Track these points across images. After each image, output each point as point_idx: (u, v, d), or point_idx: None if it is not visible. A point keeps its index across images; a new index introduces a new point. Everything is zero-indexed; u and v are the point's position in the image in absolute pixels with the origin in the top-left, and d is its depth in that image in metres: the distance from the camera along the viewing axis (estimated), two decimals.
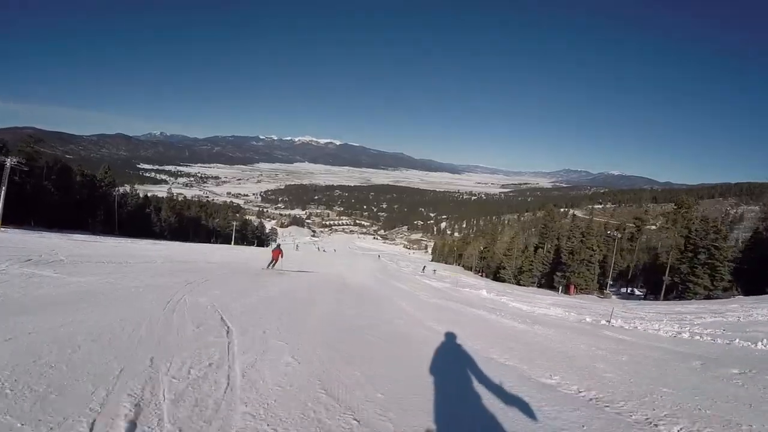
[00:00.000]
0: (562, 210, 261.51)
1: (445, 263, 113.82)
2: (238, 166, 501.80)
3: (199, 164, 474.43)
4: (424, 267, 65.78)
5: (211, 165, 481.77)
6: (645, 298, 48.46)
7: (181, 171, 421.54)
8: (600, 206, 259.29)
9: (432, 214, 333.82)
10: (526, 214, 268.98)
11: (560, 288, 51.86)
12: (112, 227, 57.50)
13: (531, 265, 61.08)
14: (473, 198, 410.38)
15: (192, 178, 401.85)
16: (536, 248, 62.82)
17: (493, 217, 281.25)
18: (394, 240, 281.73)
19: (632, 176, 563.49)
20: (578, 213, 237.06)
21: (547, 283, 59.39)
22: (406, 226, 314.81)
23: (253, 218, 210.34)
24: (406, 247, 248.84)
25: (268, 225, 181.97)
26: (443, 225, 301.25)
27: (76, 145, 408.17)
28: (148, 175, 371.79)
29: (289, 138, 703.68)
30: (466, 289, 33.23)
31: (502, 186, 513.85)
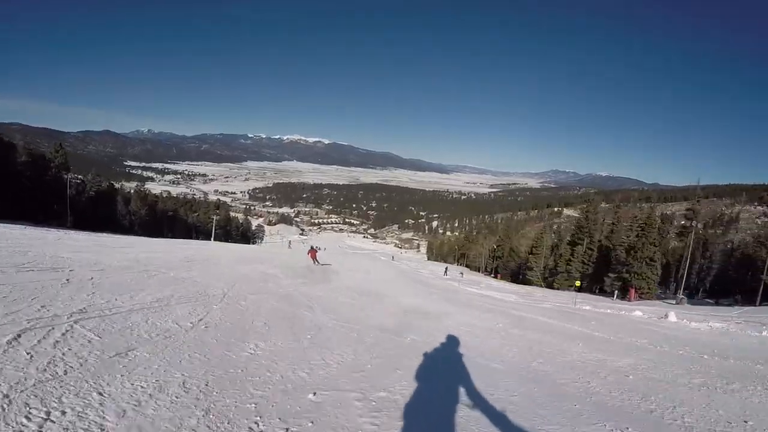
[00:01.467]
0: (556, 209, 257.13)
1: (444, 262, 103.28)
2: (226, 164, 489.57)
3: (186, 162, 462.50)
4: (447, 269, 54.37)
5: (199, 163, 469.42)
6: (734, 304, 37.71)
7: (168, 168, 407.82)
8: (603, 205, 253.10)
9: (422, 213, 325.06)
10: (519, 213, 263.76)
11: (615, 293, 41.08)
12: (64, 218, 45.76)
13: (569, 265, 50.23)
14: (463, 197, 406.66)
15: (179, 176, 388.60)
16: (571, 245, 51.97)
17: (486, 216, 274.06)
18: (385, 239, 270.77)
19: (620, 177, 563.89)
20: (572, 212, 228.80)
21: (589, 286, 48.75)
22: (396, 225, 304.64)
23: (239, 215, 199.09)
24: (398, 246, 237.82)
25: (255, 222, 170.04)
26: (435, 224, 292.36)
27: (62, 142, 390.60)
28: (134, 172, 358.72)
29: (277, 137, 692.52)
30: (547, 304, 22.57)
31: (491, 186, 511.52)
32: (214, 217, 68.48)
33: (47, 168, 46.23)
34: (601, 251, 49.18)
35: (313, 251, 25.67)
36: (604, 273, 47.08)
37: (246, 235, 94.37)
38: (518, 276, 64.77)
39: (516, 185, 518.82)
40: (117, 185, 67.62)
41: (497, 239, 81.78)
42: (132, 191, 68.94)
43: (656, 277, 42.58)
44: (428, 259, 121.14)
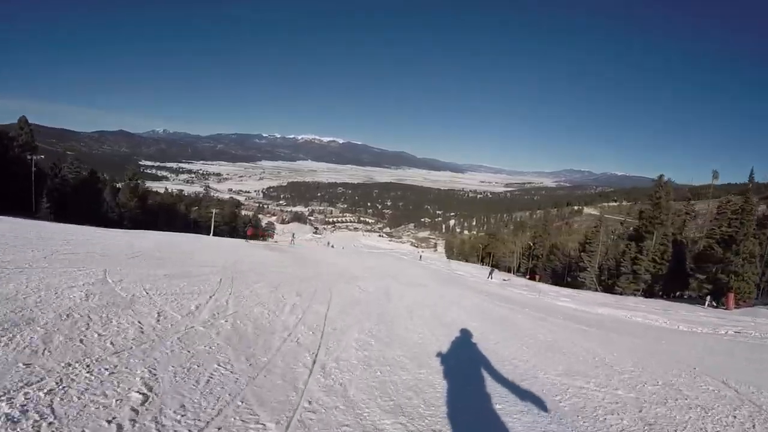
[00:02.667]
0: (576, 208, 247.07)
1: (466, 261, 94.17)
2: (241, 163, 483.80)
3: (201, 161, 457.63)
4: (491, 272, 43.57)
5: (214, 162, 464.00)
6: None
7: (182, 168, 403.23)
8: (615, 203, 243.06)
9: (439, 212, 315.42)
10: (538, 211, 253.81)
11: (707, 299, 31.79)
12: (28, 206, 37.79)
13: (635, 264, 40.87)
14: (479, 196, 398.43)
15: (193, 175, 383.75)
16: (636, 240, 42.59)
17: (504, 215, 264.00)
18: (401, 238, 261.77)
19: (635, 176, 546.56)
20: (592, 211, 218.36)
21: (665, 290, 39.54)
22: (412, 224, 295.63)
23: (250, 213, 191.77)
24: (414, 245, 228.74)
25: (264, 220, 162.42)
26: (452, 222, 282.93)
27: (77, 142, 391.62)
28: (148, 171, 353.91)
29: (292, 136, 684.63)
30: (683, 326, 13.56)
31: (506, 185, 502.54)
32: (214, 211, 60.37)
33: (8, 148, 38.13)
34: (676, 246, 39.95)
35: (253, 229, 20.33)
36: (682, 273, 37.91)
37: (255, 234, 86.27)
38: (563, 278, 55.61)
39: (531, 184, 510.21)
40: (101, 175, 59.72)
41: (532, 235, 72.51)
42: (122, 184, 60.46)
43: (756, 278, 33.20)
44: (448, 258, 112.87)
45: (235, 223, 77.72)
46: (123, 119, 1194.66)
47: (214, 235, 50.37)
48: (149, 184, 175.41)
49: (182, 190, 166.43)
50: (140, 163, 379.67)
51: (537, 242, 67.29)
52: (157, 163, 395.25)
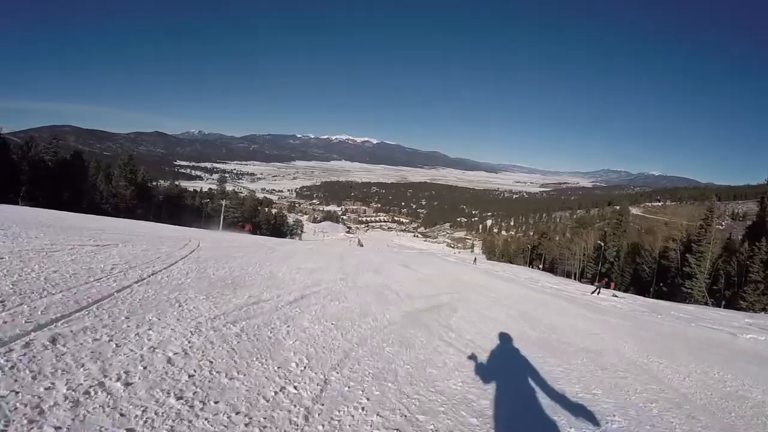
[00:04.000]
0: (617, 207, 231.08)
1: (510, 264, 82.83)
2: (274, 163, 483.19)
3: (235, 162, 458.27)
4: (598, 287, 28.85)
5: (248, 162, 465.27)
6: None
7: (216, 168, 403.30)
8: (659, 203, 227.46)
9: (474, 212, 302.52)
10: (578, 211, 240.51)
11: None
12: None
13: None
14: (514, 196, 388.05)
15: (227, 175, 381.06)
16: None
17: (543, 215, 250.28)
18: (436, 238, 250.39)
19: (673, 176, 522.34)
20: (636, 211, 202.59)
21: None
22: (448, 224, 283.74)
23: (285, 211, 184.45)
24: (450, 246, 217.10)
25: (291, 217, 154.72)
26: (489, 222, 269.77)
27: (113, 143, 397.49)
28: (183, 171, 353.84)
29: (326, 137, 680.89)
30: None
31: (542, 185, 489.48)
32: (224, 202, 51.04)
33: None
34: None
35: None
36: None
37: (280, 230, 76.95)
38: (649, 287, 44.11)
39: (567, 184, 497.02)
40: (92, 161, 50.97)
41: (602, 235, 60.60)
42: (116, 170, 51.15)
43: None
44: (488, 260, 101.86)
45: (257, 218, 68.68)
46: (160, 121, 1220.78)
47: (223, 229, 41.16)
48: (184, 183, 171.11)
49: (211, 189, 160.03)
50: (175, 163, 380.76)
51: (609, 242, 55.55)
52: (192, 164, 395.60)
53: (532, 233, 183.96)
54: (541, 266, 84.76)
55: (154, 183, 60.41)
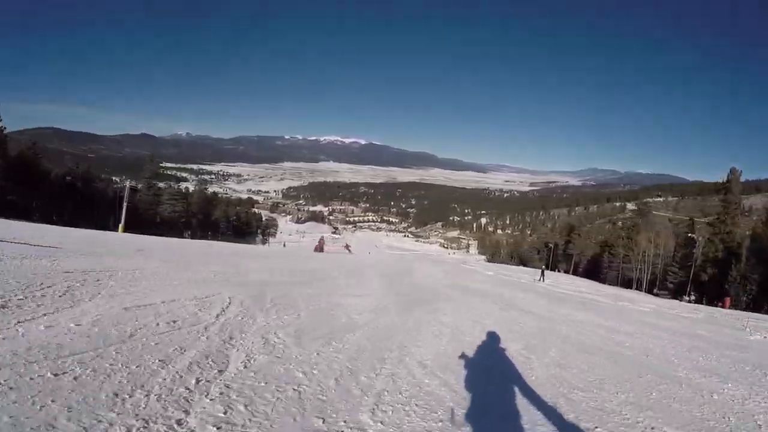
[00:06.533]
0: (617, 204, 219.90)
1: (525, 266, 67.78)
2: (262, 164, 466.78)
3: (222, 163, 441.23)
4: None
5: (235, 164, 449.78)
6: None
7: (203, 169, 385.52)
8: (660, 199, 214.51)
9: (467, 211, 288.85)
10: (577, 208, 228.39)
11: None
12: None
13: None
14: (505, 195, 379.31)
15: (213, 176, 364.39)
16: None
17: (540, 213, 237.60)
18: (429, 238, 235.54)
19: (661, 174, 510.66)
20: (635, 207, 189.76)
21: None
22: (440, 223, 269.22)
23: (264, 212, 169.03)
24: (444, 246, 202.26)
25: (265, 215, 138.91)
26: (484, 221, 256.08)
27: (98, 144, 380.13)
28: (168, 172, 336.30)
29: (313, 138, 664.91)
30: None
31: (531, 184, 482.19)
32: (127, 184, 34.45)
33: None
34: None
35: None
36: None
37: (243, 230, 60.59)
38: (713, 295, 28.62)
39: (556, 183, 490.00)
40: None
41: (689, 224, 44.76)
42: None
43: None
44: (488, 261, 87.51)
45: (214, 216, 52.51)
46: (147, 123, 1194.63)
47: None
48: (169, 184, 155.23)
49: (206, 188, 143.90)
50: (160, 164, 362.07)
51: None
52: (178, 165, 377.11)
53: (529, 232, 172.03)
54: (570, 267, 69.44)
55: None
